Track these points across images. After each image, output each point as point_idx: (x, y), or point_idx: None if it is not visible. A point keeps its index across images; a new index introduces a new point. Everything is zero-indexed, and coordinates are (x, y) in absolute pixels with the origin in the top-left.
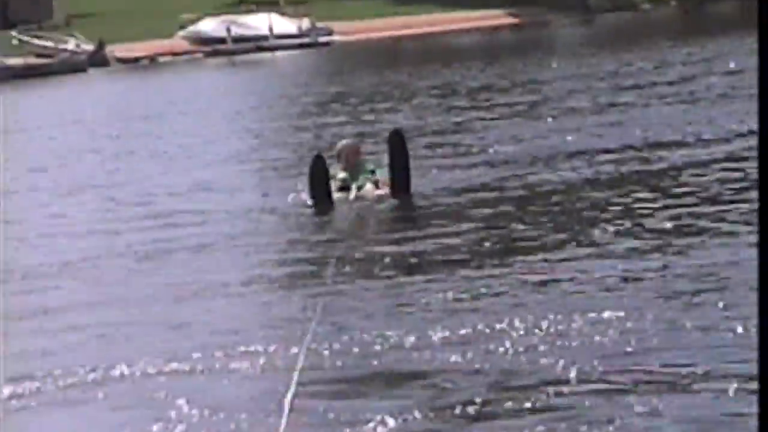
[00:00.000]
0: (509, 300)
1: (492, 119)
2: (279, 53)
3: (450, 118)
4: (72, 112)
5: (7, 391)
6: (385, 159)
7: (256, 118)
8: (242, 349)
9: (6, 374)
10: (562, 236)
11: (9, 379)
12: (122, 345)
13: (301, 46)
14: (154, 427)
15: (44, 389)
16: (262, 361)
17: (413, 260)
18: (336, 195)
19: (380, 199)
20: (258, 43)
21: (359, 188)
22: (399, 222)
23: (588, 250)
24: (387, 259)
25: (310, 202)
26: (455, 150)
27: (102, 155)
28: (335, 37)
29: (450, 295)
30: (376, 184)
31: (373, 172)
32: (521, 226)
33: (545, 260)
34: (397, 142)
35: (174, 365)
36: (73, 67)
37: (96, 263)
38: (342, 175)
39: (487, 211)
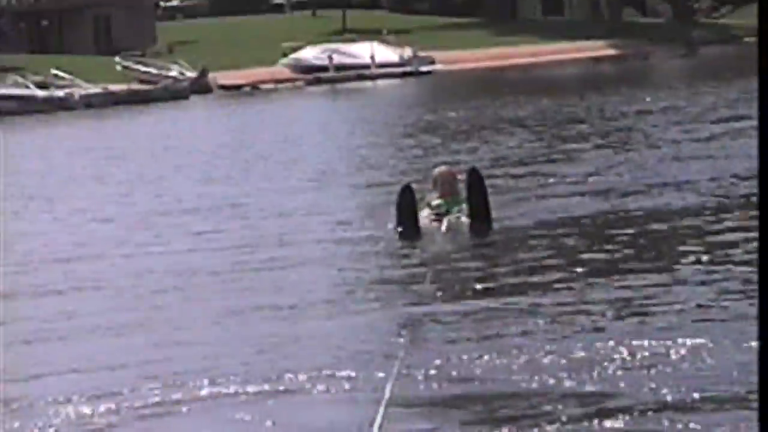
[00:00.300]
0: (591, 324)
1: (587, 150)
2: (380, 82)
3: (544, 148)
4: (174, 137)
5: (99, 407)
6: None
7: (356, 144)
8: (328, 372)
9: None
10: (647, 264)
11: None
12: (208, 363)
13: (402, 74)
14: None
15: (122, 406)
16: (347, 386)
17: (501, 285)
18: (426, 223)
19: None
20: (360, 72)
21: (455, 217)
22: (484, 249)
23: (675, 277)
24: (475, 286)
25: (397, 231)
26: (547, 180)
27: (207, 178)
28: (437, 67)
29: (537, 320)
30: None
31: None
32: (606, 254)
33: (628, 286)
34: (476, 180)
35: (258, 386)
36: (176, 93)
37: (186, 280)
38: (437, 202)
39: (575, 238)
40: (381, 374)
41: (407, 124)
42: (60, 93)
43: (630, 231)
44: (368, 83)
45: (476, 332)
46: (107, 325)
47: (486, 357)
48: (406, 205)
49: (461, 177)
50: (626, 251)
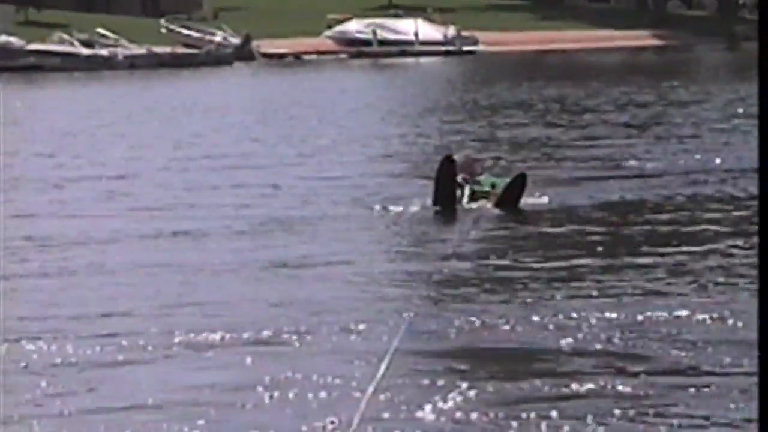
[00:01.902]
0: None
1: (623, 137)
2: (423, 59)
3: (581, 132)
4: (217, 101)
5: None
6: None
7: (395, 120)
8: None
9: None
10: (682, 252)
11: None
12: (228, 313)
13: (445, 53)
14: (242, 388)
15: (151, 345)
16: (355, 337)
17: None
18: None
19: (491, 210)
20: (403, 48)
21: (472, 198)
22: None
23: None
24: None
25: (433, 205)
26: (583, 164)
27: (244, 145)
28: (480, 47)
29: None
30: (489, 197)
31: (493, 186)
32: (643, 245)
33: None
34: (519, 184)
35: (269, 336)
36: (219, 59)
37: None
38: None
39: (609, 224)
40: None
41: (448, 103)
42: (104, 52)
43: (663, 216)
44: (411, 60)
45: (498, 295)
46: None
47: (506, 317)
48: (445, 178)
49: (486, 164)
50: (659, 229)
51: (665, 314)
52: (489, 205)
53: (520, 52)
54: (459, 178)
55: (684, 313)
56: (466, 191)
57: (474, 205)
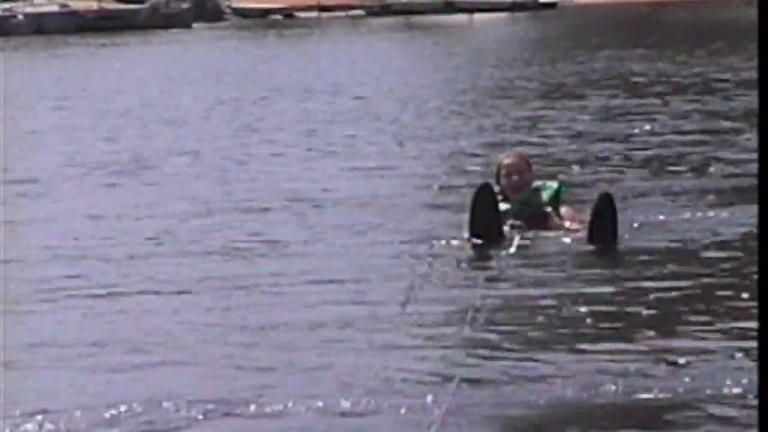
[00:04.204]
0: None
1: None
2: (479, 16)
3: (722, 137)
4: (165, 87)
5: None
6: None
7: (440, 115)
8: None
9: None
10: None
11: None
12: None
13: (512, 7)
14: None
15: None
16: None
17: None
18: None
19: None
20: None
21: (524, 234)
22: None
23: None
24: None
25: (470, 239)
26: (691, 168)
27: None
28: None
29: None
30: (548, 215)
31: (558, 197)
32: None
33: None
34: (606, 209)
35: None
36: (169, 19)
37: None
38: (503, 207)
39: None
40: None
41: (509, 83)
42: None
43: None
44: (461, 17)
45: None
46: None
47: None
48: (484, 210)
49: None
50: None
51: None
52: (568, 239)
53: (622, 5)
54: (503, 206)
55: None
56: (516, 239)
57: (519, 245)
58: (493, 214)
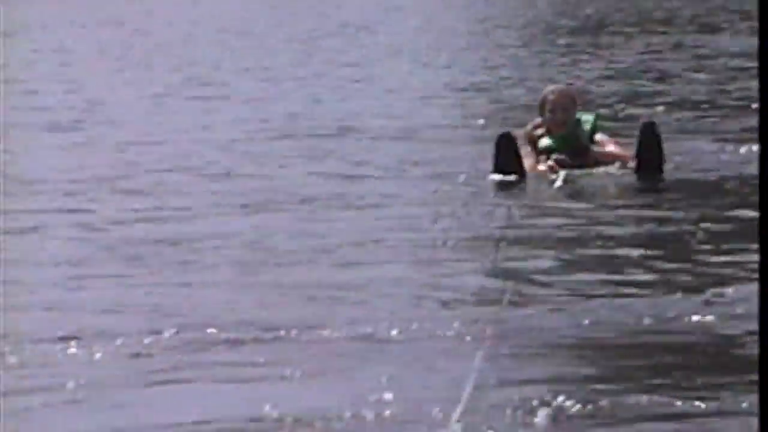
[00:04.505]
0: None
1: None
2: None
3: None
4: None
5: None
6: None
7: (459, 46)
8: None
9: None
10: None
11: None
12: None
13: None
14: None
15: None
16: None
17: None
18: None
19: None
20: None
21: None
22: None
23: None
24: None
25: (497, 178)
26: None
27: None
28: None
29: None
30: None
31: (594, 128)
32: None
33: None
34: (649, 138)
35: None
36: None
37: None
38: (546, 142)
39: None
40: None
41: (540, 17)
42: None
43: None
44: None
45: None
46: None
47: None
48: (505, 159)
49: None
50: None
51: None
52: (616, 169)
53: None
54: (545, 141)
55: None
56: (561, 174)
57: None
58: (515, 165)
